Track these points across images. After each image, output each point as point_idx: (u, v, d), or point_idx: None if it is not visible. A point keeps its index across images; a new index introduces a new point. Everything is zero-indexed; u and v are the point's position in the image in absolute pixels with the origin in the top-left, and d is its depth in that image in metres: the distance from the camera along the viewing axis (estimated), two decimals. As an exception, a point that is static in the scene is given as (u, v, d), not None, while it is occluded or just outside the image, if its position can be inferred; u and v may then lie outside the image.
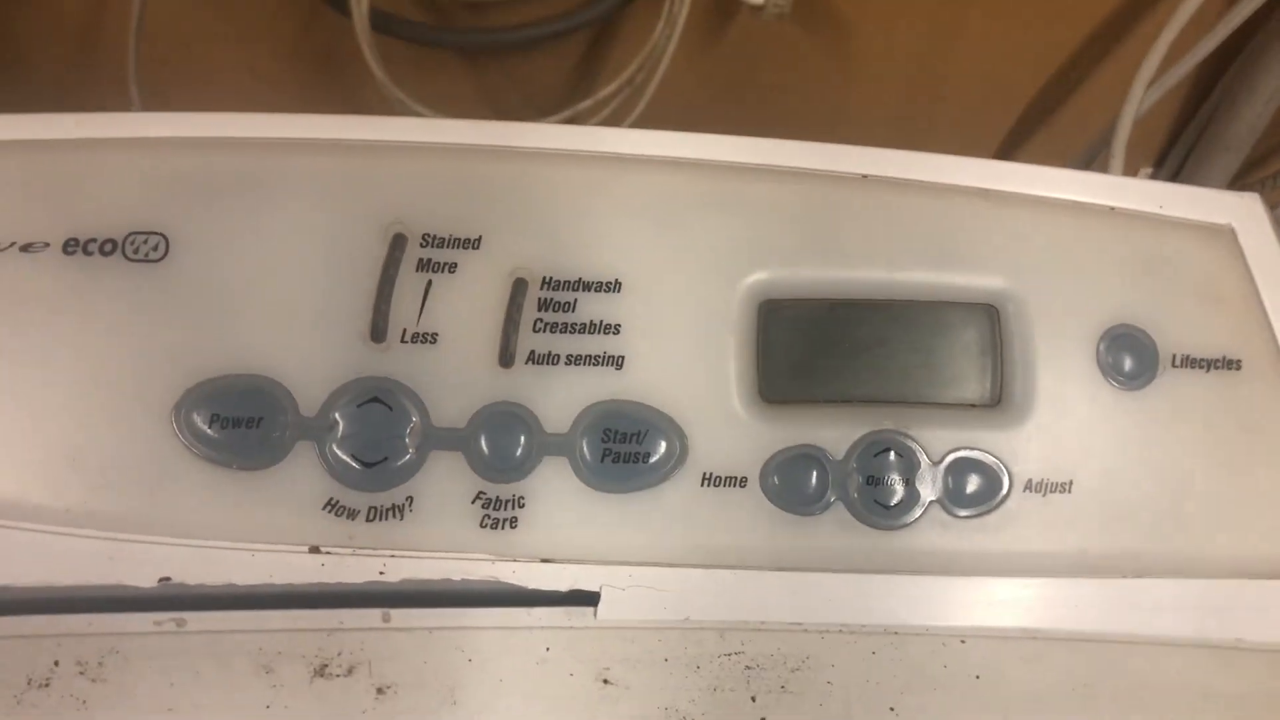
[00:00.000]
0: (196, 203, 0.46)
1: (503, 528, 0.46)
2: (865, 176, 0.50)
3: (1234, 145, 0.95)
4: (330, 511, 0.45)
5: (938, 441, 0.48)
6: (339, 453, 0.45)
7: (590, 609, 0.46)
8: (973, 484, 0.47)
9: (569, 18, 0.91)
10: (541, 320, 0.47)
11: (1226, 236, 0.51)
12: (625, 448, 0.46)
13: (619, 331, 0.47)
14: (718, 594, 0.46)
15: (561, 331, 0.47)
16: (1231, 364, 0.49)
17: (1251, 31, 0.89)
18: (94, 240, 0.45)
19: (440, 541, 0.45)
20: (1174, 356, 0.49)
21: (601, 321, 0.47)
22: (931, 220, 0.49)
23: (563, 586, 0.46)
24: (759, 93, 1.02)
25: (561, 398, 0.46)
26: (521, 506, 0.46)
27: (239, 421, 0.44)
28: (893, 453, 0.47)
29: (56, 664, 0.43)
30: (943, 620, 0.47)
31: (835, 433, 0.48)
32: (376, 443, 0.45)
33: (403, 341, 0.46)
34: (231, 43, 0.96)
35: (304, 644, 0.44)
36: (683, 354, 0.47)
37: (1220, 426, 0.49)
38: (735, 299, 0.48)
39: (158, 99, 0.87)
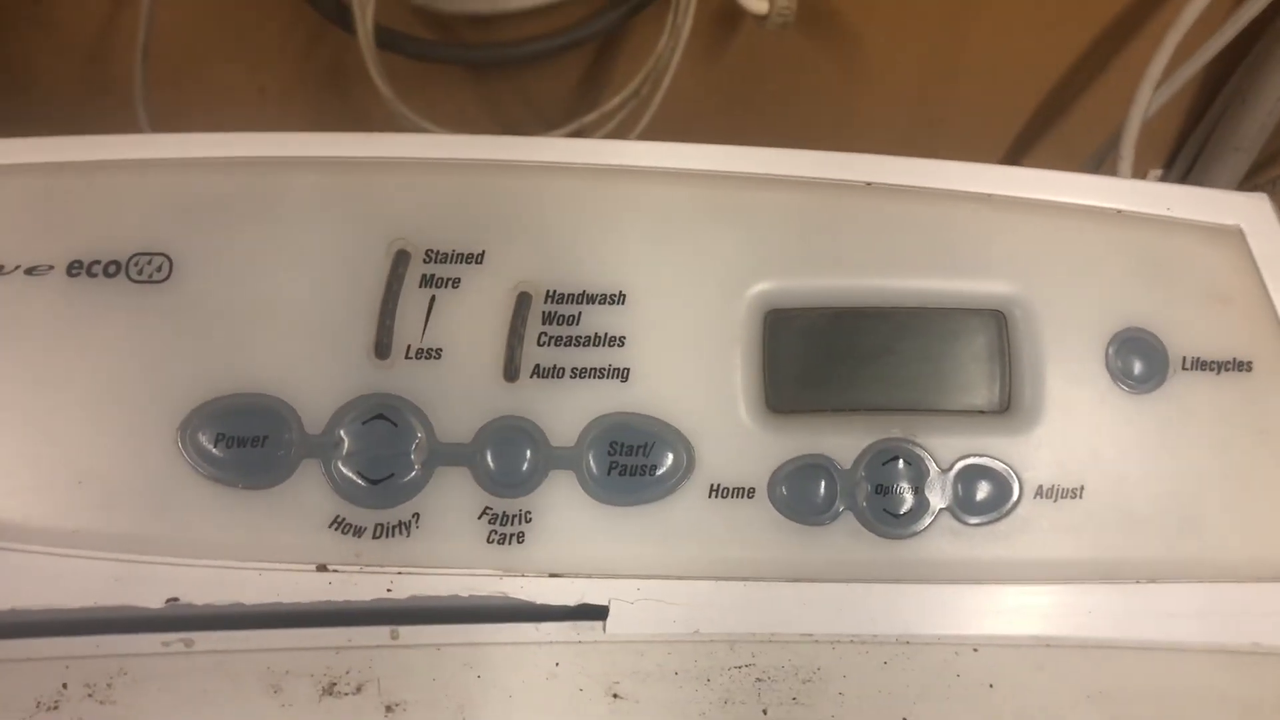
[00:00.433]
0: (199, 223, 0.46)
1: (510, 543, 0.45)
2: (869, 184, 0.49)
3: (1244, 145, 0.95)
4: (337, 529, 0.45)
5: (947, 449, 0.47)
6: (344, 470, 0.45)
7: (599, 623, 0.46)
8: (983, 491, 0.47)
9: (574, 31, 0.91)
10: (546, 334, 0.46)
11: (1235, 237, 0.50)
12: (632, 460, 0.46)
13: (624, 344, 0.47)
14: (727, 606, 0.46)
15: (566, 345, 0.46)
16: (1242, 365, 0.49)
17: (1260, 30, 0.89)
18: (98, 262, 0.45)
19: (447, 558, 0.45)
20: (1184, 359, 0.49)
21: (606, 334, 0.47)
22: (937, 227, 0.49)
23: (571, 601, 0.46)
24: (765, 102, 1.01)
25: (567, 411, 0.46)
26: (529, 521, 0.46)
27: (244, 440, 0.44)
28: (901, 461, 0.47)
29: (65, 686, 0.43)
30: (954, 629, 0.47)
31: (843, 442, 0.47)
32: (382, 460, 0.45)
33: (407, 358, 0.46)
34: (238, 62, 0.97)
35: (312, 662, 0.44)
36: (689, 365, 0.47)
37: (1232, 429, 0.48)
38: (740, 309, 0.48)
39: (166, 119, 0.88)
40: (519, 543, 0.45)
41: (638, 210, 0.48)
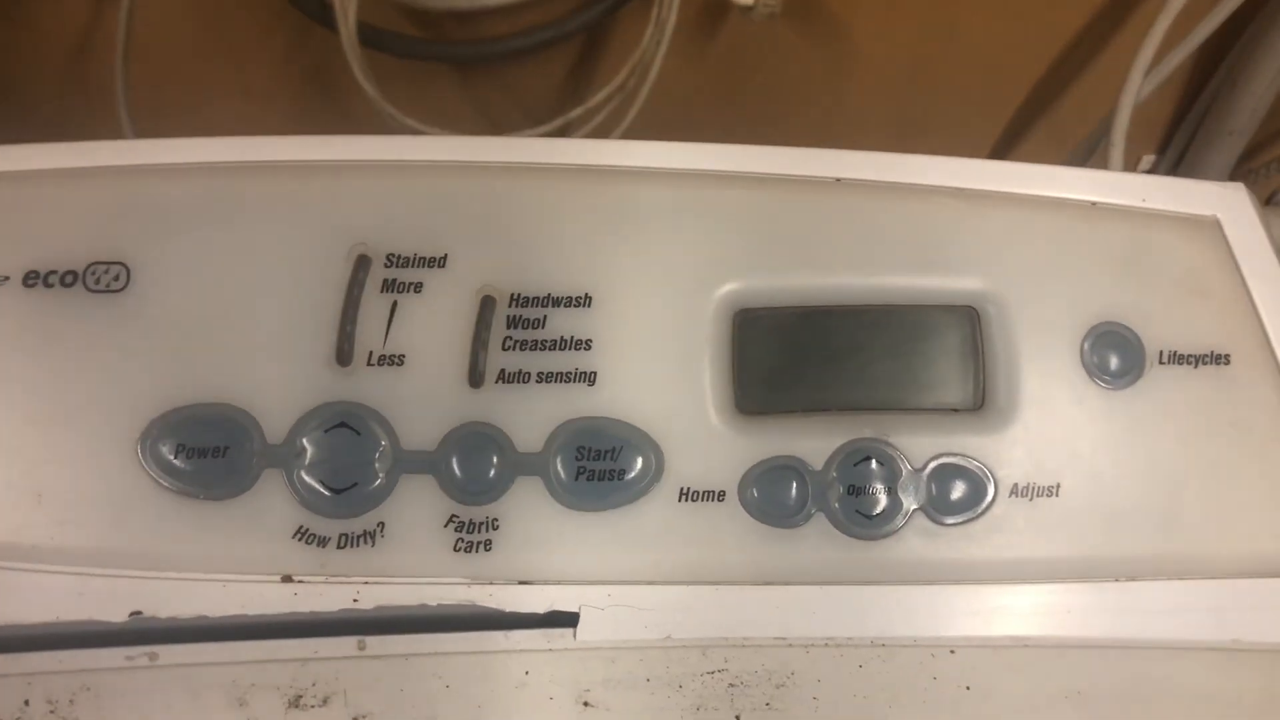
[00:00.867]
0: (157, 231, 0.45)
1: (477, 550, 0.45)
2: (839, 180, 0.49)
3: (1237, 129, 0.94)
4: (301, 540, 0.44)
5: (919, 448, 0.47)
6: (308, 480, 0.44)
7: (569, 630, 0.45)
8: (957, 490, 0.46)
9: (558, 25, 0.91)
10: (511, 338, 0.46)
11: (1211, 228, 0.49)
12: (600, 465, 0.45)
13: (590, 347, 0.46)
14: (699, 611, 0.45)
15: (532, 349, 0.46)
16: (1220, 359, 0.48)
17: (1251, 13, 0.88)
18: (54, 272, 0.45)
19: (414, 567, 0.45)
20: (1160, 353, 0.48)
21: (572, 337, 0.46)
22: (908, 222, 0.48)
23: (540, 608, 0.45)
24: (753, 95, 1.01)
25: (533, 416, 0.46)
26: (496, 529, 0.45)
27: (205, 451, 0.44)
28: (874, 461, 0.46)
29: (27, 703, 0.42)
30: (930, 631, 0.46)
31: (814, 443, 0.47)
32: (345, 468, 0.44)
33: (369, 364, 0.45)
34: (222, 62, 0.96)
35: (278, 675, 0.44)
36: (656, 368, 0.46)
37: (1210, 423, 0.47)
38: (709, 310, 0.47)
39: (149, 121, 0.87)
40: (486, 550, 0.45)
41: (603, 210, 0.47)
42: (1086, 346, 0.48)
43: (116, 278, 0.45)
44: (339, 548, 0.44)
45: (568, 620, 0.45)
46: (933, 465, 0.47)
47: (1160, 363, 0.48)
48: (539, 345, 0.46)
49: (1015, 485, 0.47)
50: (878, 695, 0.45)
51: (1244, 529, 0.47)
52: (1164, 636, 0.46)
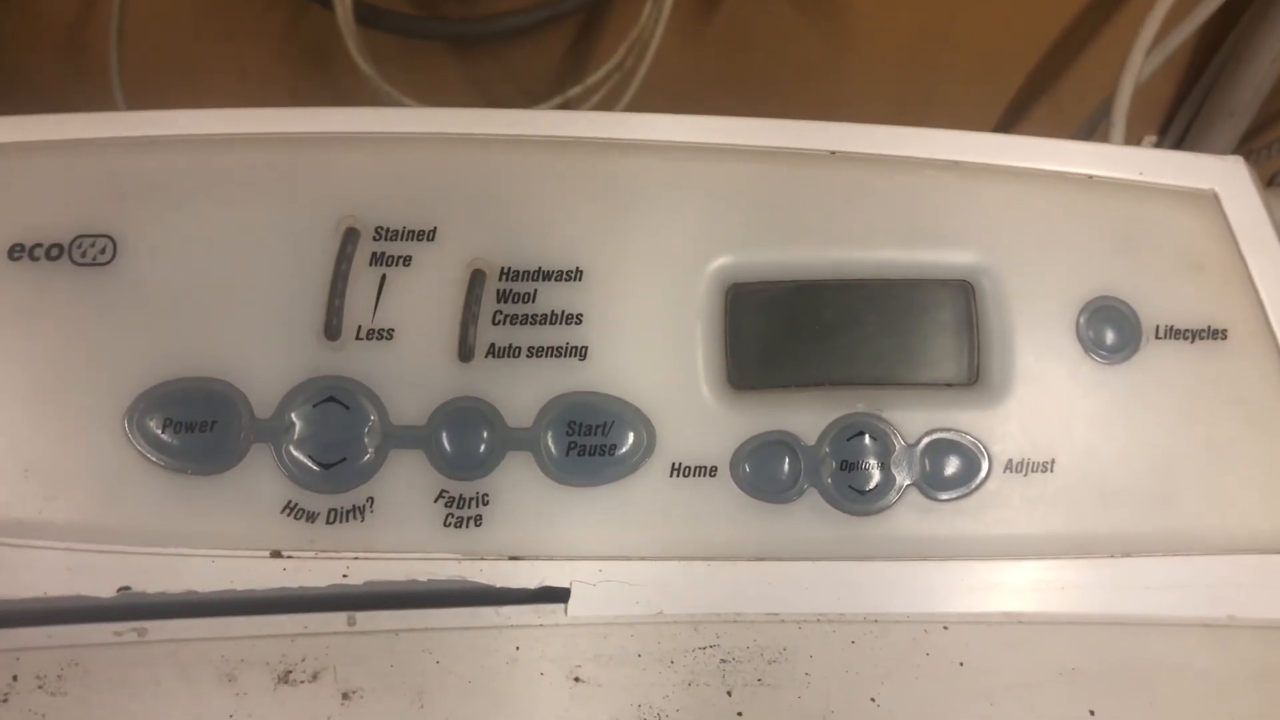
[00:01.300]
0: (144, 203, 0.45)
1: (467, 526, 0.45)
2: (833, 153, 0.48)
3: (1238, 110, 0.93)
4: (290, 515, 0.44)
5: (913, 423, 0.46)
6: (296, 454, 0.44)
7: (560, 606, 0.45)
8: (951, 466, 0.46)
9: (556, 3, 0.90)
10: (501, 312, 0.46)
11: (1209, 202, 0.49)
12: (591, 440, 0.45)
13: (581, 321, 0.46)
14: (691, 586, 0.45)
15: (522, 323, 0.46)
16: (1217, 334, 0.47)
17: (1255, -7, 0.87)
18: (40, 245, 0.44)
19: (404, 542, 0.44)
20: (1157, 328, 0.47)
21: (563, 312, 0.46)
22: (902, 196, 0.48)
23: (531, 584, 0.45)
24: (752, 73, 1.00)
25: (524, 391, 0.45)
26: (486, 504, 0.45)
27: (193, 426, 0.44)
28: (867, 436, 0.46)
29: (15, 679, 0.42)
30: (924, 607, 0.46)
31: (807, 418, 0.46)
32: (334, 443, 0.44)
33: (358, 339, 0.45)
34: (217, 41, 0.96)
35: (267, 650, 0.43)
36: (648, 342, 0.46)
37: (1206, 399, 0.47)
38: (701, 284, 0.47)
39: (144, 100, 0.87)
40: (477, 526, 0.45)
41: (594, 184, 0.47)
42: (1082, 321, 0.47)
43: (103, 251, 0.44)
44: (328, 523, 0.44)
45: (559, 596, 0.45)
46: (926, 440, 0.46)
47: (1156, 338, 0.47)
48: (529, 320, 0.46)
49: (1010, 461, 0.46)
50: (870, 671, 0.44)
51: (1239, 505, 0.47)
52: (1159, 613, 0.46)
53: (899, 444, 0.46)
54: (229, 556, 0.44)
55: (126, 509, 0.43)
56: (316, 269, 0.45)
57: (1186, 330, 0.47)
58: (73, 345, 0.44)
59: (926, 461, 0.46)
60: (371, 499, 0.44)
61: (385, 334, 0.45)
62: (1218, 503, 0.46)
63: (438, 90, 0.98)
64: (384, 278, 0.45)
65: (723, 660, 0.44)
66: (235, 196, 0.45)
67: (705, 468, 0.46)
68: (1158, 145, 1.06)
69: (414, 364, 0.45)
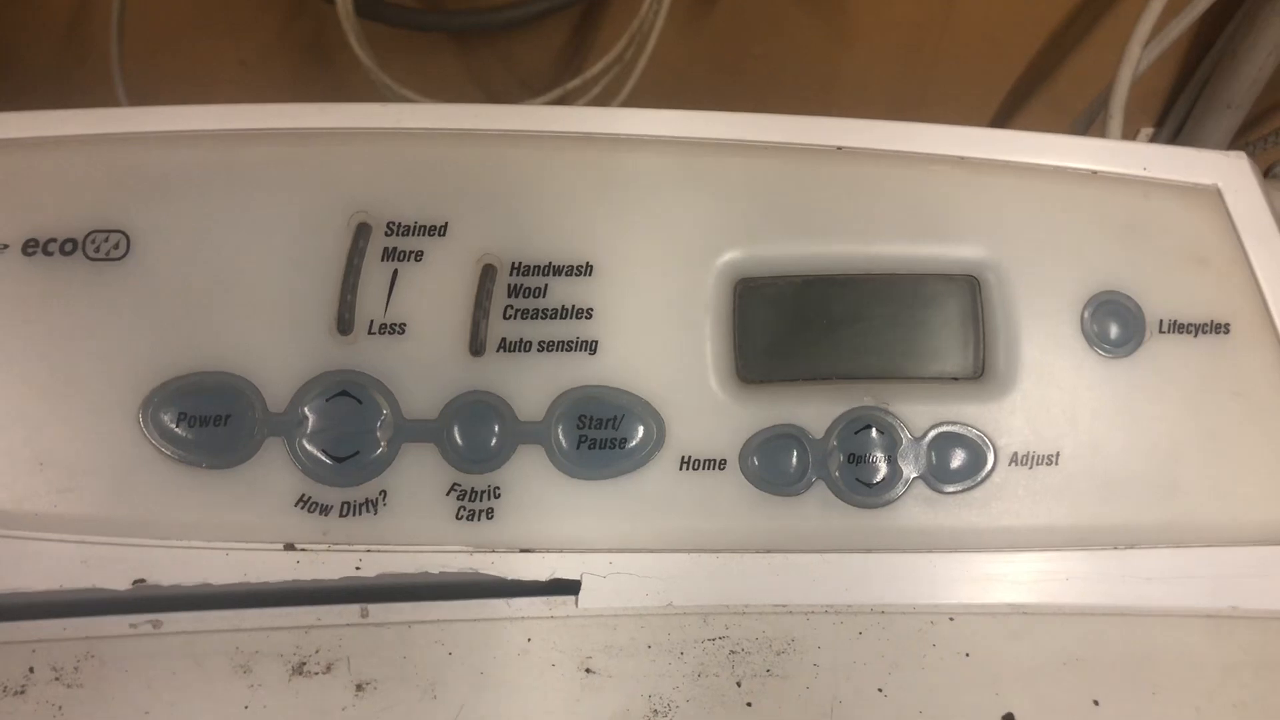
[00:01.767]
0: (157, 199, 0.45)
1: (479, 519, 0.45)
2: (840, 148, 0.49)
3: (1235, 102, 0.93)
4: (303, 508, 0.44)
5: (920, 417, 0.47)
6: (309, 448, 0.44)
7: (571, 598, 0.45)
8: (957, 459, 0.47)
9: (556, -5, 0.90)
10: (512, 307, 0.46)
11: (1212, 197, 0.49)
12: (602, 434, 0.46)
13: (591, 316, 0.46)
14: (700, 578, 0.46)
15: (533, 318, 0.46)
16: (1220, 328, 0.48)
17: (1252, -15, 0.88)
18: (54, 240, 0.44)
19: (416, 535, 0.45)
20: (1161, 322, 0.48)
21: (574, 306, 0.46)
22: (909, 191, 0.48)
23: (542, 576, 0.45)
24: (752, 64, 1.00)
25: (535, 385, 0.46)
26: (497, 497, 0.45)
27: (206, 420, 0.44)
28: (874, 429, 0.47)
29: (32, 670, 0.42)
30: (930, 598, 0.46)
31: (815, 411, 0.47)
32: (347, 437, 0.44)
33: (370, 333, 0.45)
34: (218, 35, 0.96)
35: (281, 642, 0.44)
36: (658, 337, 0.46)
37: (1209, 392, 0.48)
38: (710, 279, 0.47)
39: (145, 94, 0.87)
40: (488, 518, 0.45)
41: (604, 179, 0.47)
42: (1087, 315, 0.48)
43: (116, 246, 0.45)
44: (341, 516, 0.44)
45: (569, 588, 0.45)
46: (933, 434, 0.47)
47: (1160, 331, 0.48)
48: (540, 314, 0.46)
49: (1015, 454, 0.47)
50: (877, 662, 0.45)
51: (1242, 497, 0.47)
52: (1162, 604, 0.46)
53: (905, 437, 0.47)
54: (243, 549, 0.44)
55: (141, 502, 0.44)
56: (329, 263, 0.45)
57: (1190, 324, 0.48)
58: (87, 339, 0.44)
59: (933, 454, 0.46)
60: (384, 492, 0.45)
61: (397, 328, 0.45)
62: (1221, 495, 0.47)
63: (437, 83, 0.98)
64: (396, 272, 0.45)
65: (732, 651, 0.45)
66: (248, 192, 0.46)
67: (714, 461, 0.46)
68: (1155, 137, 1.06)
69: (426, 358, 0.45)
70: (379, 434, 0.45)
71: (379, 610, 0.44)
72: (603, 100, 0.89)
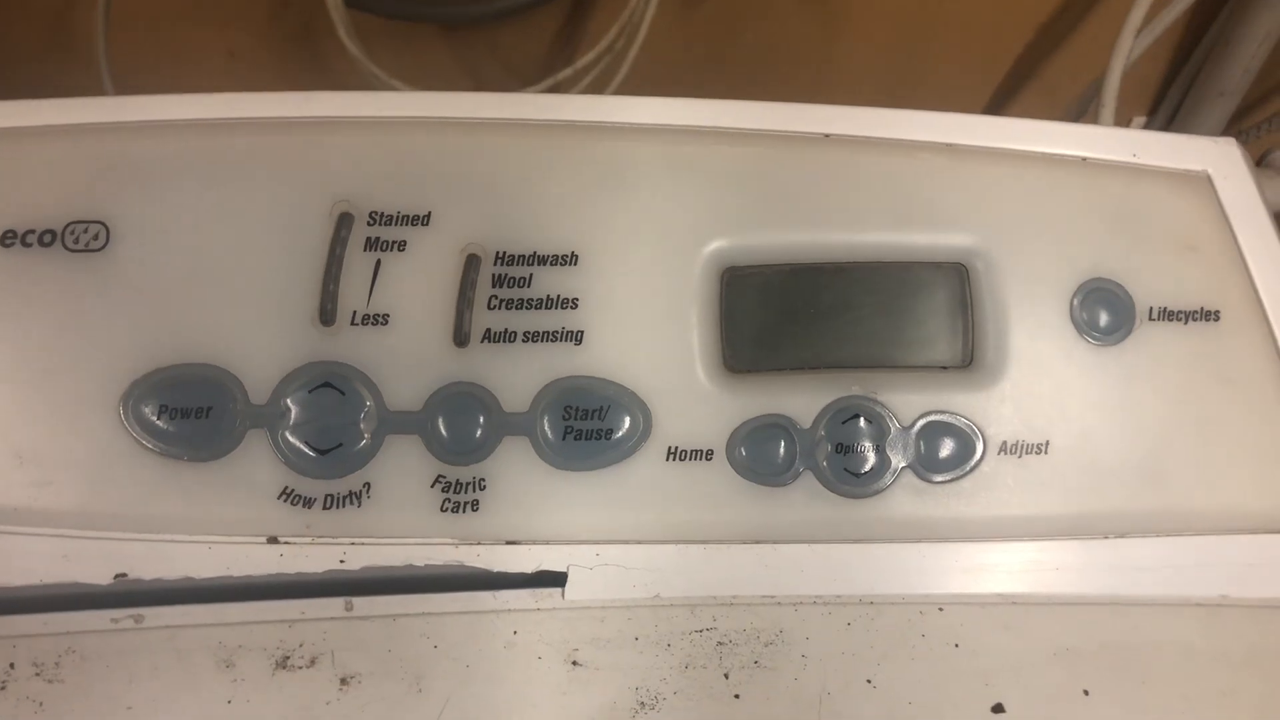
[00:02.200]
0: (137, 189, 0.45)
1: (464, 511, 0.45)
2: (827, 136, 0.48)
3: (1228, 90, 0.93)
4: (286, 501, 0.44)
5: (908, 406, 0.46)
6: (292, 440, 0.44)
7: (558, 590, 0.45)
8: (945, 448, 0.46)
9: (546, -15, 0.89)
10: (496, 297, 0.45)
11: (1203, 184, 0.49)
12: (587, 424, 0.45)
13: (577, 306, 0.46)
14: (687, 569, 0.45)
15: (517, 308, 0.45)
16: (1210, 315, 0.48)
17: (1245, -28, 0.87)
18: (32, 231, 0.44)
19: (401, 527, 0.44)
20: (1150, 309, 0.48)
21: (559, 296, 0.46)
22: (897, 178, 0.48)
23: (528, 568, 0.45)
24: (742, 55, 1.00)
25: (520, 376, 0.45)
26: (483, 489, 0.45)
27: (188, 412, 0.43)
28: (862, 419, 0.46)
29: (12, 666, 0.42)
30: (919, 589, 0.46)
31: (802, 401, 0.46)
32: (330, 429, 0.44)
33: (353, 324, 0.45)
34: (205, 24, 0.95)
35: (265, 636, 0.43)
36: (644, 326, 0.46)
37: (1200, 380, 0.47)
38: (696, 268, 0.47)
39: (132, 83, 0.86)
40: (473, 510, 0.45)
41: (589, 168, 0.47)
42: (1076, 303, 0.47)
43: (96, 237, 0.44)
44: (325, 508, 0.44)
45: (556, 580, 0.45)
46: (921, 423, 0.46)
47: (1150, 319, 0.47)
48: (525, 304, 0.46)
49: (1004, 443, 0.46)
50: (866, 653, 0.45)
51: (1232, 485, 0.47)
52: (1153, 593, 0.46)
53: (894, 426, 0.46)
54: (225, 543, 0.44)
55: (122, 495, 0.43)
56: (311, 254, 0.45)
57: (1180, 311, 0.48)
58: (66, 332, 0.44)
59: (921, 444, 0.46)
60: (368, 484, 0.44)
61: (380, 319, 0.45)
62: (1211, 483, 0.47)
63: (427, 72, 0.97)
64: (379, 263, 0.45)
65: (720, 643, 0.44)
66: (229, 182, 0.45)
67: (701, 451, 0.46)
68: (1147, 126, 1.06)
69: (409, 349, 0.45)
70: (362, 426, 0.44)
71: (363, 603, 0.44)
72: (594, 90, 0.89)
